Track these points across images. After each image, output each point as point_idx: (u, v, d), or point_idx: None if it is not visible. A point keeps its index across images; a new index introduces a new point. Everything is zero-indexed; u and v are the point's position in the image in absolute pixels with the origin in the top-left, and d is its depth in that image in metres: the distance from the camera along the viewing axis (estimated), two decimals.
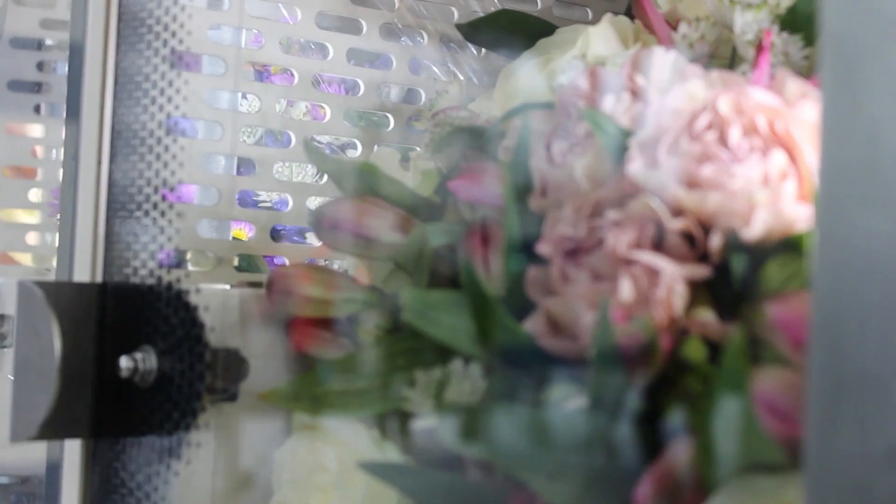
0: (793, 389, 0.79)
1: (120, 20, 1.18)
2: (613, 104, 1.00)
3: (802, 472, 0.67)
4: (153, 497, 1.13)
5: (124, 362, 1.10)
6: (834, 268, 0.72)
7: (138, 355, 1.10)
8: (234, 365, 1.13)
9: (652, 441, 0.85)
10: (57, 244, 1.18)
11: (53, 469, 1.20)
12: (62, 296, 1.09)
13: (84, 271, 1.15)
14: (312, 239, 1.46)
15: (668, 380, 0.86)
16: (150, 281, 1.14)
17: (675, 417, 0.84)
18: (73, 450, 1.19)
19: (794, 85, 0.96)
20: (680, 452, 0.84)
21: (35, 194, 2.01)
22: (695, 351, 0.86)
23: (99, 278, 1.15)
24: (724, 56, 1.15)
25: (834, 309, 0.72)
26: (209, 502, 1.14)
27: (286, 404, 1.15)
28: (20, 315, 1.09)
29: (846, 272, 0.72)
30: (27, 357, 1.10)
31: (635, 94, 1.01)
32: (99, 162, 1.16)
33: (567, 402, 0.91)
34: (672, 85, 1.00)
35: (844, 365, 0.71)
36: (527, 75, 1.39)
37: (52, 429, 1.09)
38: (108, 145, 1.16)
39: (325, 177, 1.39)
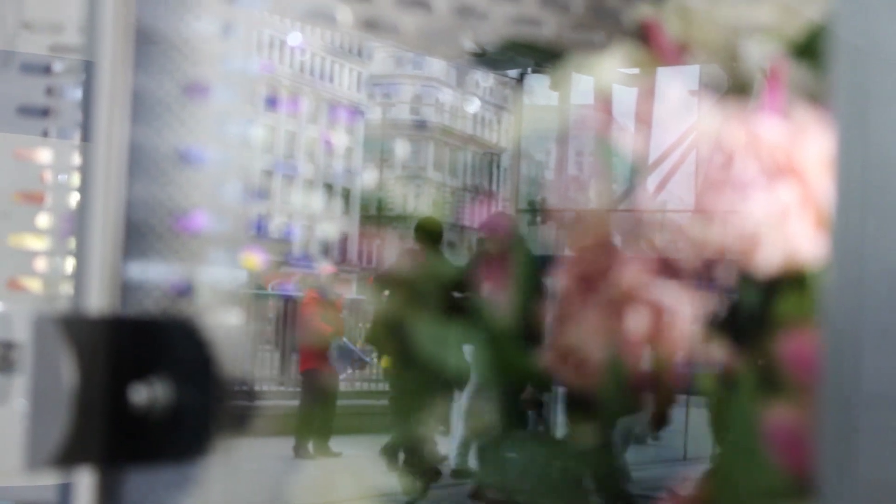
0: (805, 421, 0.79)
1: (135, 47, 1.19)
2: (624, 134, 1.00)
3: (817, 500, 0.67)
4: None
5: (136, 392, 1.10)
6: (848, 296, 0.72)
7: (150, 385, 1.11)
8: (244, 393, 1.13)
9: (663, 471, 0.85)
10: (67, 270, 1.18)
11: (64, 498, 1.20)
12: (75, 328, 1.09)
13: (97, 299, 1.15)
14: (325, 268, 1.46)
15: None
16: (162, 310, 1.14)
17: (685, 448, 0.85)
18: (84, 478, 1.19)
19: (803, 112, 0.96)
20: (693, 483, 0.84)
21: (44, 220, 2.01)
22: (706, 383, 0.86)
23: (112, 306, 1.15)
24: (734, 83, 1.15)
25: (849, 338, 0.72)
26: None
27: (298, 433, 1.15)
28: (34, 346, 1.09)
29: (861, 300, 0.72)
30: (41, 387, 1.10)
31: (646, 122, 1.01)
32: (112, 189, 1.16)
33: (577, 433, 0.91)
34: (682, 114, 1.00)
35: (861, 394, 0.71)
36: (539, 101, 1.39)
37: (65, 458, 1.09)
38: (124, 173, 1.17)
39: (338, 205, 1.40)
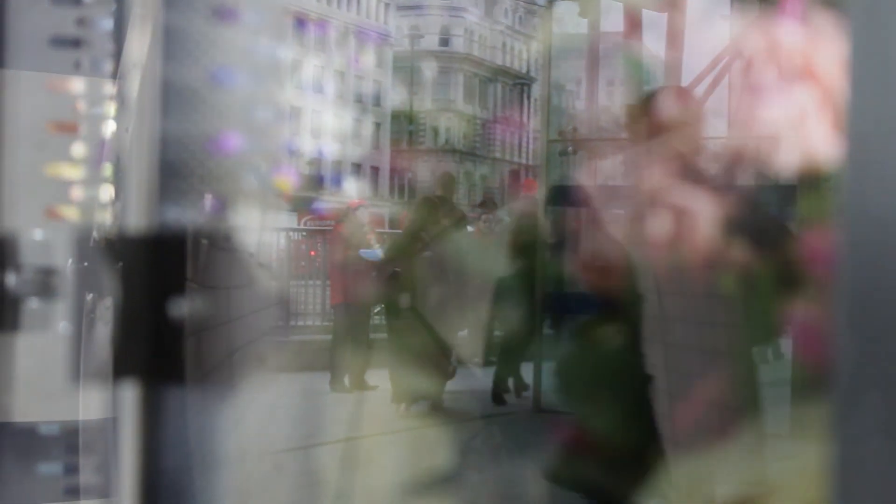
0: (825, 316, 0.81)
1: None
2: (651, 45, 1.02)
3: (833, 394, 0.69)
4: (209, 437, 1.16)
5: (176, 306, 1.13)
6: (866, 197, 0.74)
7: (190, 298, 1.13)
8: (285, 306, 1.16)
9: (688, 369, 0.87)
10: (103, 198, 1.20)
11: (110, 416, 1.23)
12: (116, 244, 1.12)
13: (136, 219, 1.18)
14: (352, 186, 1.48)
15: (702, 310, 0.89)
16: (199, 227, 1.16)
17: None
18: (129, 395, 1.21)
19: (822, 18, 0.98)
20: (715, 379, 0.86)
21: (78, 149, 2.03)
22: (728, 283, 0.88)
23: (150, 226, 1.17)
24: None
25: (865, 239, 0.73)
26: (264, 442, 1.17)
27: (334, 367, 1.17)
28: (77, 264, 1.12)
29: (879, 200, 0.73)
30: (84, 304, 1.13)
31: (671, 35, 1.03)
32: (148, 114, 1.19)
33: (605, 336, 0.93)
34: (707, 25, 1.01)
35: (891, 295, 0.72)
36: (566, 19, 1.40)
37: (110, 372, 1.12)
38: (158, 98, 1.19)
39: (368, 124, 1.42)
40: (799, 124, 0.88)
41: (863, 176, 0.77)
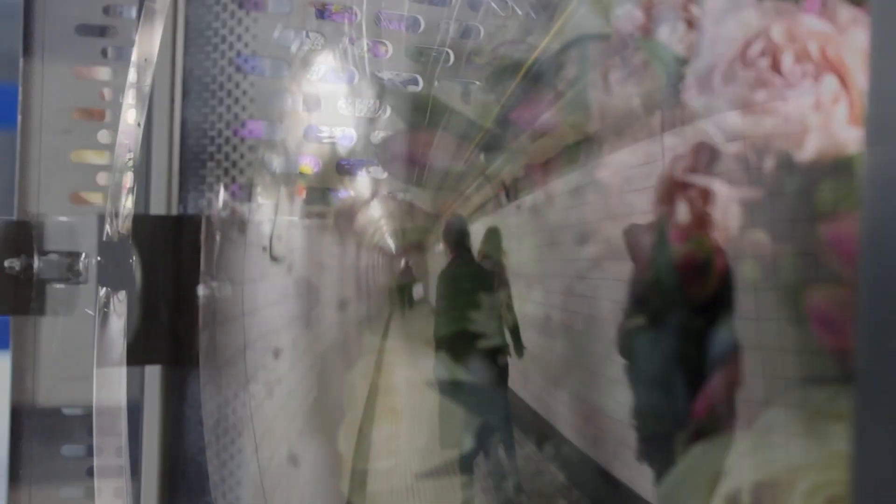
0: (845, 304, 0.82)
1: None
2: (669, 34, 1.02)
3: (854, 383, 0.69)
4: (232, 422, 1.18)
5: (201, 291, 1.14)
6: (886, 187, 0.74)
7: (214, 284, 1.14)
8: (305, 293, 1.17)
9: (709, 357, 0.88)
10: (125, 184, 1.21)
11: (134, 398, 1.24)
12: (140, 228, 1.13)
13: (160, 205, 1.19)
14: (376, 172, 1.49)
15: (723, 298, 0.89)
16: (223, 214, 1.17)
17: (731, 334, 0.87)
18: (153, 378, 1.23)
19: (845, 11, 0.98)
20: (736, 368, 0.87)
21: (104, 136, 2.05)
22: (749, 271, 0.88)
23: (174, 212, 1.19)
24: None
25: (886, 227, 0.74)
26: (286, 425, 1.18)
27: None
28: (101, 247, 1.13)
29: None
30: (109, 287, 1.14)
31: (691, 23, 1.03)
32: (172, 101, 1.20)
33: (625, 321, 0.94)
34: (726, 14, 1.02)
35: None
36: (583, 7, 1.40)
37: (134, 355, 1.13)
38: (180, 85, 1.20)
39: (388, 111, 1.43)
40: (821, 113, 0.89)
41: (886, 165, 0.77)
